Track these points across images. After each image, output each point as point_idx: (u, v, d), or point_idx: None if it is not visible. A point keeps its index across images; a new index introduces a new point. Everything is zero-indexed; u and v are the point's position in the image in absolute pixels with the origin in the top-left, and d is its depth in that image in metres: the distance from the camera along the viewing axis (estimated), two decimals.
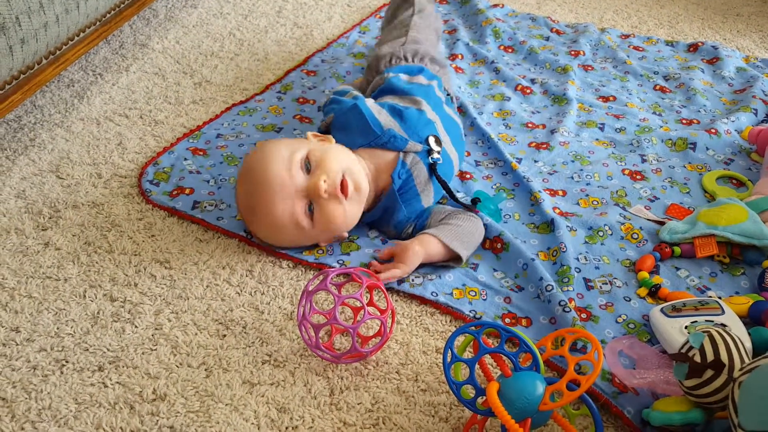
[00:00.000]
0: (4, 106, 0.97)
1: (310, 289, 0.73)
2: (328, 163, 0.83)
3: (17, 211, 0.94)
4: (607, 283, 0.87)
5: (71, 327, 0.77)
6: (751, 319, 0.78)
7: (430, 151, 0.92)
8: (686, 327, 0.73)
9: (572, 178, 1.08)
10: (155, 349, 0.75)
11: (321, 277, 0.75)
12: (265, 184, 0.82)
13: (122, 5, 1.25)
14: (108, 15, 1.21)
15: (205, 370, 0.73)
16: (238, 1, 1.63)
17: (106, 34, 1.21)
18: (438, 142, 0.94)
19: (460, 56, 1.42)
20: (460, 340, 0.76)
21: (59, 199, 0.97)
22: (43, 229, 0.91)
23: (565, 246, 0.90)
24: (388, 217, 0.91)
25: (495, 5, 1.66)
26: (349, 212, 0.85)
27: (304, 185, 0.82)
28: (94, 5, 1.11)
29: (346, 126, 0.93)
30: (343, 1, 1.67)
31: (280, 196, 0.81)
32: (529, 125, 1.21)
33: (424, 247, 0.85)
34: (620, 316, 0.82)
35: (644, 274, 0.87)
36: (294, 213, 0.82)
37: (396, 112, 0.93)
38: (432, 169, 0.91)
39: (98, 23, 1.19)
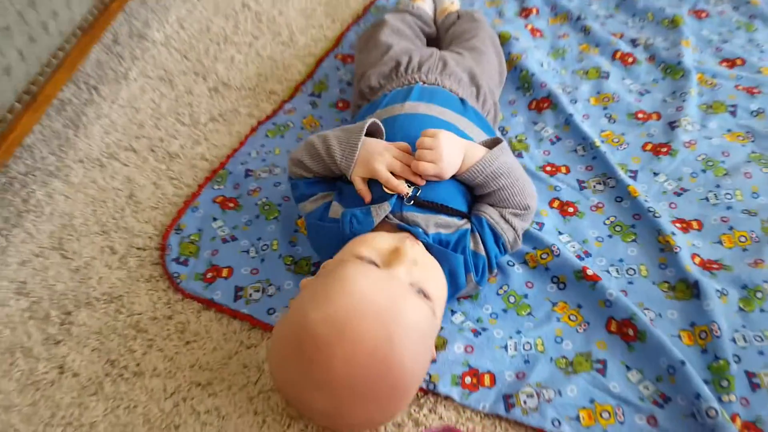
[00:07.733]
0: None
1: None
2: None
3: (20, 317, 0.76)
4: None
5: None
6: None
7: (400, 197, 0.71)
8: None
9: (707, 199, 0.83)
10: None
11: None
12: None
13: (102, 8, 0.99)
14: (84, 23, 0.96)
15: None
16: None
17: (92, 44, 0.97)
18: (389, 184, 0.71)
19: (534, 10, 1.11)
20: None
21: (68, 293, 0.78)
22: (54, 343, 0.74)
23: (718, 328, 0.68)
24: (457, 272, 0.70)
25: None
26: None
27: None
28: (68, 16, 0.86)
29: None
30: None
31: None
32: (640, 116, 0.94)
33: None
34: None
35: None
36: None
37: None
38: (417, 203, 0.71)
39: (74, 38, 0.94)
